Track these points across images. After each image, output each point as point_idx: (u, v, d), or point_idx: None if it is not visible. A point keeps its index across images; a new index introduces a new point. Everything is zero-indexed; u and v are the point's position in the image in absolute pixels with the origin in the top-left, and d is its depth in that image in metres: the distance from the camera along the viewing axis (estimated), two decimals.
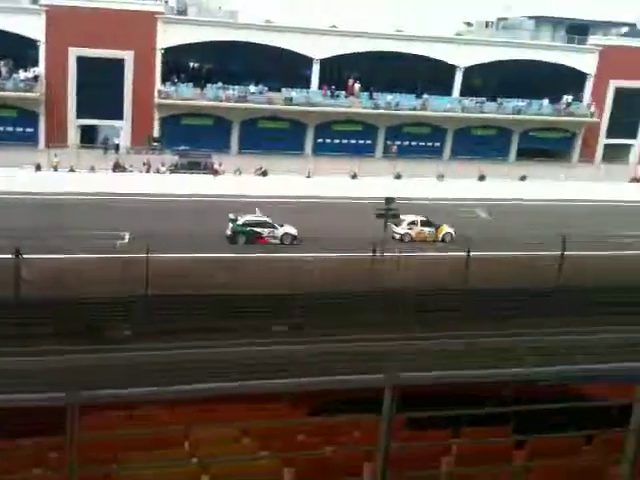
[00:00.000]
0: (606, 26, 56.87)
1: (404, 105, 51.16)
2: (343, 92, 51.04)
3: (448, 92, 53.00)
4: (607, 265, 25.51)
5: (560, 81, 53.34)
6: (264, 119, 50.02)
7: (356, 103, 50.85)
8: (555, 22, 55.88)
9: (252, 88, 49.17)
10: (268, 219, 29.67)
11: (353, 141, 51.77)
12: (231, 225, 29.10)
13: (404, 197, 31.47)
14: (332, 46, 49.79)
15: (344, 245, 23.02)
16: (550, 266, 23.94)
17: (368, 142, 52.40)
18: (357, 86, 51.07)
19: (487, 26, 57.50)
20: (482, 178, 45.83)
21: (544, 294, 20.86)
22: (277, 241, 28.77)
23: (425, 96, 51.59)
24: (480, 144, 52.72)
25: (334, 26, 52.51)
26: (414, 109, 51.32)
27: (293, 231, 29.24)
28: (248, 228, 29.02)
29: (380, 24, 52.71)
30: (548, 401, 5.80)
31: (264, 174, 43.01)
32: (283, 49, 49.13)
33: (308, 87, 51.14)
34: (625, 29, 57.81)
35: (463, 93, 53.07)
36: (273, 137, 49.05)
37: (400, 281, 20.57)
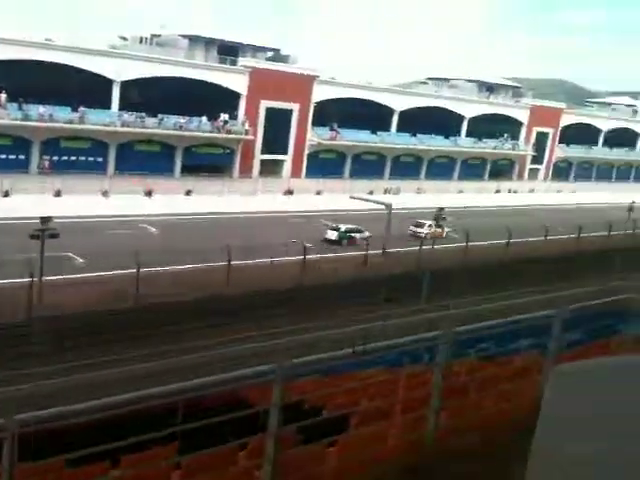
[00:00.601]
0: (253, 49, 61.50)
1: (59, 118, 48.02)
2: None
3: (107, 106, 51.44)
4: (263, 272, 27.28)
5: (217, 100, 55.96)
6: None
7: (3, 115, 45.99)
8: (207, 42, 58.23)
9: None
10: (358, 227, 39.19)
11: (2, 156, 46.70)
12: (335, 232, 38.69)
13: (65, 215, 29.51)
14: None
15: None
16: (218, 275, 24.75)
17: (21, 157, 47.88)
18: (3, 96, 46.21)
19: (141, 42, 57.28)
20: (149, 194, 45.51)
21: (200, 307, 21.38)
22: (363, 242, 35.63)
23: (82, 109, 49.15)
24: (145, 159, 52.32)
25: None
26: (71, 122, 48.52)
27: (369, 234, 37.49)
28: (348, 234, 38.41)
29: (28, 33, 48.65)
30: (214, 412, 5.74)
31: None
32: None
33: None
34: (270, 53, 63.34)
35: (123, 107, 52.04)
36: None
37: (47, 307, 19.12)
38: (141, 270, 22.11)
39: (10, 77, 46.21)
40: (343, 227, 39.88)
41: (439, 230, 42.22)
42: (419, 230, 42.19)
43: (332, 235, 38.88)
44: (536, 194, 69.90)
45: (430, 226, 42.96)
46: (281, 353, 4.39)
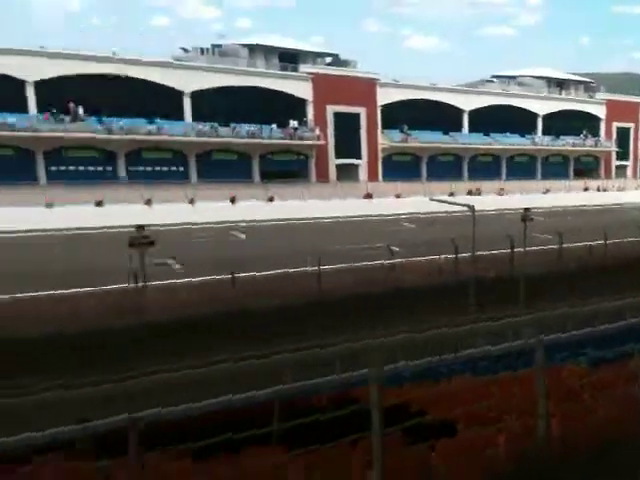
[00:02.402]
0: (313, 55, 61.35)
1: (139, 130, 49.70)
2: (68, 117, 47.71)
3: (180, 117, 52.67)
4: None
5: (284, 107, 55.97)
6: None
7: (82, 127, 48.00)
8: (267, 51, 58.28)
9: None
10: None
11: (92, 168, 48.98)
12: None
13: (159, 224, 30.16)
14: (44, 68, 46.22)
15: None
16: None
17: (109, 168, 50.09)
18: (81, 110, 48.27)
19: (202, 53, 56.93)
20: (233, 200, 46.14)
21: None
22: None
23: (159, 120, 50.83)
24: (223, 168, 53.08)
25: (43, 47, 48.31)
26: (149, 133, 50.20)
27: None
28: None
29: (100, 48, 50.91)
30: (324, 410, 5.78)
31: None
32: None
33: (25, 111, 46.81)
34: (329, 59, 63.09)
35: (196, 118, 53.01)
36: None
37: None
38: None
39: (83, 91, 47.77)
40: None
41: None
42: None
43: None
44: (631, 192, 65.27)
45: None
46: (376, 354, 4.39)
